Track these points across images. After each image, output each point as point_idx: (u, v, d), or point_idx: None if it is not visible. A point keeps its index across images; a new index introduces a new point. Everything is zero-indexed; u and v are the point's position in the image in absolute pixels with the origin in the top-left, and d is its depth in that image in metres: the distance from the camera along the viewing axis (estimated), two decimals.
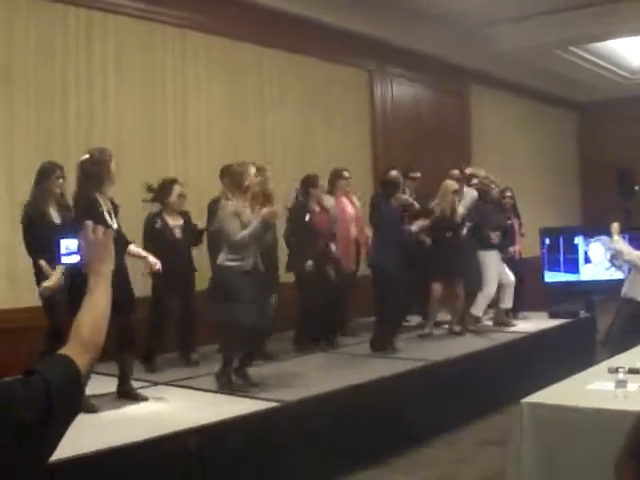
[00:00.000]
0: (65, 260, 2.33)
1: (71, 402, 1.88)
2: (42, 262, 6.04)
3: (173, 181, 7.38)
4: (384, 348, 7.92)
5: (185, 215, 7.54)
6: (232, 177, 6.47)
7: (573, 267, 11.17)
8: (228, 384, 6.21)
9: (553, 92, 16.37)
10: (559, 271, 11.26)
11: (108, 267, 2.19)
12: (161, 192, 7.30)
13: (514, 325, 9.50)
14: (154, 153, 8.61)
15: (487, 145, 14.09)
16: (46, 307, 6.08)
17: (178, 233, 7.35)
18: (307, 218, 8.10)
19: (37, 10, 7.65)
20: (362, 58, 11.57)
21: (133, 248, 6.08)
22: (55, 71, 7.78)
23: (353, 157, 10.58)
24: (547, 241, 11.26)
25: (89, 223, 2.23)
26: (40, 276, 6.03)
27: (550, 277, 11.22)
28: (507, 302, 9.55)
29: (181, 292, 7.35)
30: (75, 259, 2.30)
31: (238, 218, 6.18)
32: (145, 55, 8.62)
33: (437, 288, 9.00)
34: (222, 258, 6.28)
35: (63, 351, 1.98)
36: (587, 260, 11.22)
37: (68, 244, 2.32)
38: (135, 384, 6.29)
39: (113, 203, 5.96)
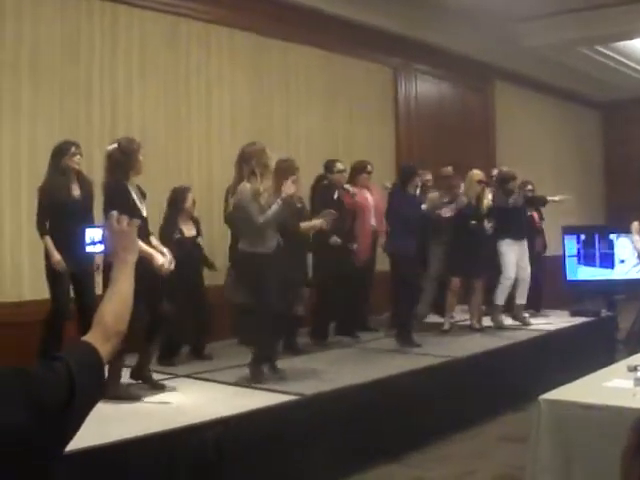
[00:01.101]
0: (90, 249, 2.36)
1: (92, 389, 1.90)
2: (47, 238, 6.14)
3: (186, 189, 7.39)
4: (410, 340, 7.95)
5: (196, 223, 7.55)
6: (258, 157, 6.27)
7: (609, 262, 11.10)
8: (260, 376, 6.22)
9: (578, 90, 16.29)
10: (594, 266, 11.18)
11: (132, 256, 2.23)
12: (175, 199, 7.35)
13: (530, 324, 9.46)
14: (178, 147, 8.64)
15: (511, 142, 14.05)
16: (51, 294, 6.23)
17: (190, 243, 7.30)
18: (335, 196, 8.10)
19: (63, 3, 7.71)
20: (387, 54, 11.57)
21: (153, 240, 6.06)
22: (80, 64, 7.84)
23: (377, 153, 10.57)
24: (582, 237, 11.20)
25: (114, 213, 2.27)
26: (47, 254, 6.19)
27: (584, 273, 11.13)
28: (521, 298, 9.49)
29: (191, 291, 7.24)
30: (99, 248, 2.33)
31: (257, 201, 6.14)
32: (169, 49, 8.66)
33: (455, 282, 9.01)
34: (244, 244, 6.26)
35: (86, 338, 2.01)
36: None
37: (93, 234, 2.36)
38: (155, 376, 6.35)
39: (141, 190, 5.99)
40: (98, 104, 7.96)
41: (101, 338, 2.00)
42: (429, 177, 9.87)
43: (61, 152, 6.30)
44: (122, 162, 5.76)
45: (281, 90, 9.96)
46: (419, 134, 11.96)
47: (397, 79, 11.90)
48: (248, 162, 6.22)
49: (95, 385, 1.93)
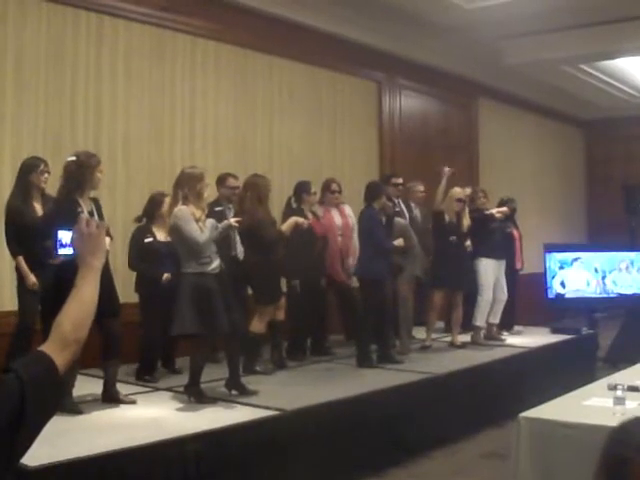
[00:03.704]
0: (61, 252, 2.33)
1: (46, 402, 1.83)
2: (20, 259, 6.12)
3: (163, 195, 7.26)
4: (370, 363, 7.82)
5: None
6: (192, 183, 6.15)
7: None
8: (200, 395, 6.12)
9: (561, 108, 16.40)
10: None
11: (99, 261, 2.16)
12: (151, 206, 7.28)
13: (503, 340, 9.48)
14: (162, 159, 8.63)
15: (493, 159, 14.12)
16: (20, 308, 6.19)
17: (164, 248, 7.16)
18: (305, 225, 7.97)
19: (48, 12, 7.69)
20: (371, 69, 11.61)
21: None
22: (65, 73, 7.83)
23: (360, 168, 10.62)
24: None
25: (83, 215, 2.22)
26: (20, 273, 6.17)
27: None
28: (494, 317, 9.49)
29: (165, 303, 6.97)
30: (68, 251, 2.29)
31: (194, 222, 6.05)
32: (155, 61, 8.66)
33: (438, 297, 8.96)
34: (188, 266, 6.10)
35: (43, 347, 1.92)
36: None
37: (63, 236, 2.31)
38: (136, 389, 6.32)
39: (96, 202, 5.95)
40: (82, 114, 7.94)
41: (59, 346, 1.91)
42: (421, 188, 9.87)
43: (29, 169, 6.25)
44: (77, 176, 5.69)
45: (265, 103, 9.96)
46: (402, 149, 12.00)
47: (381, 94, 11.93)
48: (182, 187, 6.14)
49: (50, 397, 1.85)
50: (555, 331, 10.17)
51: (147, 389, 6.64)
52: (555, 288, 10.95)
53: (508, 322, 9.97)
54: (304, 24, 10.08)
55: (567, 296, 11.01)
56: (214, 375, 6.65)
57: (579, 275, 10.97)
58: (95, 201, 5.96)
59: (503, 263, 9.41)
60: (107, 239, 6.03)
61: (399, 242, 8.13)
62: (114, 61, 8.26)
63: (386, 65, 11.77)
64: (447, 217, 8.83)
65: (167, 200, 7.14)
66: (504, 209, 9.51)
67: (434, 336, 9.30)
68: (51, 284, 5.55)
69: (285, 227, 7.50)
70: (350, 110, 11.23)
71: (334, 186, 8.67)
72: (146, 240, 7.19)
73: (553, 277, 10.91)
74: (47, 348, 1.91)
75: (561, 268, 10.97)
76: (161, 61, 8.73)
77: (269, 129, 9.99)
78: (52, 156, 7.11)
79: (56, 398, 1.92)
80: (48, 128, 7.63)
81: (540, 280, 11.19)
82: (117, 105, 8.29)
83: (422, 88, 12.72)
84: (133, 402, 6.00)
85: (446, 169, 9.19)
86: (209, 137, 9.20)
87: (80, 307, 2.04)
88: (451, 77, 12.88)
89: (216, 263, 6.16)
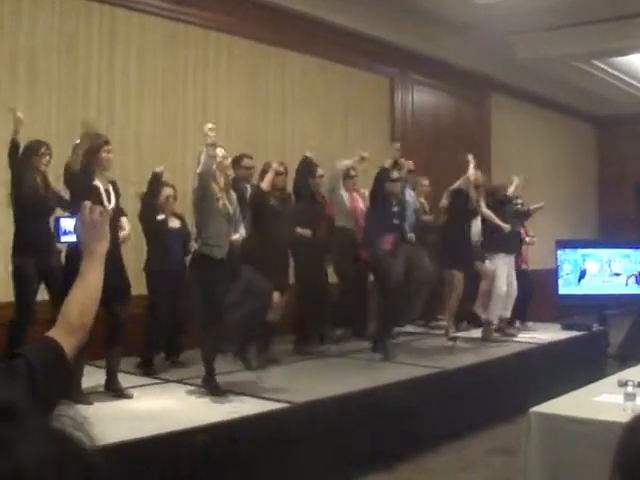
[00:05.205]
0: (64, 239, 2.32)
1: (55, 387, 1.80)
2: None
3: (162, 184, 7.29)
4: (386, 347, 7.85)
5: (180, 218, 7.52)
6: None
7: None
8: (217, 389, 6.11)
9: (573, 104, 16.33)
10: None
11: (103, 247, 2.14)
12: (150, 192, 7.28)
13: (515, 335, 9.50)
14: (174, 151, 8.64)
15: (505, 155, 14.06)
16: (15, 296, 6.08)
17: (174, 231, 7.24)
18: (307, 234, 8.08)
19: (61, 5, 7.71)
20: (384, 64, 11.60)
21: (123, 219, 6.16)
22: (78, 66, 7.84)
23: (372, 162, 10.58)
24: None
25: (87, 203, 2.20)
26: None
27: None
28: (506, 311, 9.47)
29: (173, 290, 7.06)
30: (72, 238, 2.28)
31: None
32: (167, 54, 8.66)
33: (459, 278, 8.71)
34: (200, 244, 6.16)
35: (50, 333, 1.91)
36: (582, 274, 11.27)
37: (66, 224, 2.31)
38: (145, 381, 6.34)
39: (114, 184, 5.98)
40: (95, 107, 7.95)
41: (65, 332, 1.91)
42: (426, 182, 9.89)
43: (28, 152, 6.21)
44: (85, 156, 5.74)
45: (278, 97, 9.96)
46: (414, 144, 11.95)
47: (394, 89, 11.92)
48: None
49: (58, 383, 1.83)
50: (566, 327, 10.16)
51: (157, 381, 6.65)
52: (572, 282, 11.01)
53: (521, 317, 9.99)
54: (317, 18, 10.07)
55: (583, 291, 11.05)
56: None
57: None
58: (113, 183, 5.99)
59: (513, 258, 9.41)
60: (124, 219, 6.17)
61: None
62: (127, 54, 8.27)
63: (399, 60, 11.75)
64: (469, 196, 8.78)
65: (166, 190, 7.19)
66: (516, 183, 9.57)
67: (439, 332, 9.30)
68: (60, 270, 5.61)
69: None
70: (362, 105, 11.21)
71: (352, 172, 8.91)
72: (158, 217, 7.20)
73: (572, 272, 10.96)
74: (54, 334, 1.91)
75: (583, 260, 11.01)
76: (174, 54, 8.73)
77: (282, 122, 9.99)
78: (66, 149, 7.13)
79: (65, 383, 1.97)
80: (61, 122, 7.63)
81: (551, 276, 11.17)
82: (130, 98, 8.30)
83: (434, 83, 12.70)
84: (130, 397, 5.94)
85: (470, 156, 9.08)
86: (221, 130, 9.12)
87: (86, 293, 2.04)
88: (463, 72, 12.83)
89: (225, 249, 6.14)
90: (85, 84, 7.90)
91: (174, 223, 7.33)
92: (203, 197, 6.14)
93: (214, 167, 6.13)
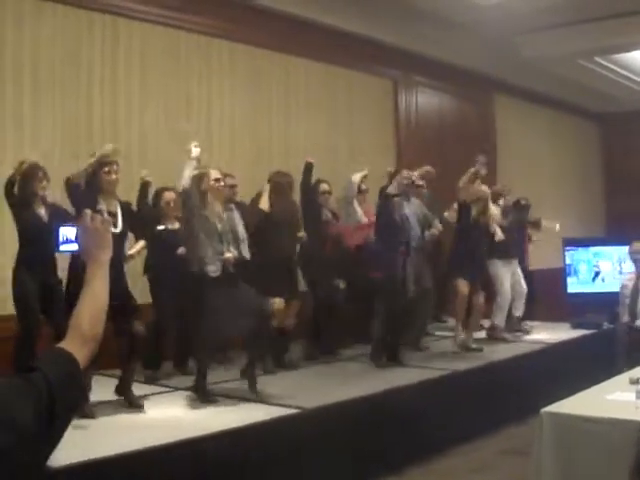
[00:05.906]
0: (63, 248, 2.30)
1: (72, 400, 1.82)
2: None
3: (163, 189, 7.30)
4: (381, 359, 7.74)
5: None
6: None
7: None
8: (206, 395, 6.11)
9: (577, 102, 16.29)
10: None
11: (106, 255, 2.14)
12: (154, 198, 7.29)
13: (528, 332, 9.49)
14: (178, 161, 8.61)
15: (511, 155, 14.04)
16: (18, 312, 6.01)
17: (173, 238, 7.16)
18: (323, 217, 8.13)
19: (63, 15, 7.73)
20: (387, 67, 11.59)
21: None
22: (81, 75, 7.86)
23: (376, 165, 10.57)
24: None
25: (87, 211, 2.19)
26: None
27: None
28: (517, 310, 9.51)
29: (178, 298, 7.04)
30: (72, 247, 2.26)
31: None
32: (170, 62, 8.67)
33: (463, 286, 8.44)
34: (192, 265, 6.18)
35: (63, 345, 1.91)
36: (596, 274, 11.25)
37: (66, 232, 2.29)
38: (154, 389, 6.32)
39: (123, 204, 5.99)
40: (98, 115, 7.96)
41: (78, 343, 1.91)
42: (421, 182, 9.83)
43: (27, 177, 6.10)
44: (89, 177, 5.81)
45: (281, 102, 9.96)
46: (419, 145, 11.94)
47: (397, 91, 11.90)
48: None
49: (74, 395, 1.84)
50: (576, 326, 10.13)
51: (166, 389, 6.64)
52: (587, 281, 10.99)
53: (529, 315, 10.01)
54: (319, 22, 10.06)
55: (593, 289, 11.02)
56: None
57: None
58: (122, 204, 5.99)
59: (515, 261, 9.42)
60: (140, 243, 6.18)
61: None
62: (129, 62, 8.28)
63: (402, 62, 11.73)
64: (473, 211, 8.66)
65: (166, 194, 7.20)
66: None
67: (446, 333, 9.26)
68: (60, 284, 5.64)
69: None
70: (366, 108, 11.20)
71: (362, 186, 8.95)
72: (159, 227, 7.19)
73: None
74: (67, 346, 1.90)
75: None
76: (176, 61, 8.74)
77: (285, 128, 9.98)
78: (69, 157, 7.15)
79: (80, 396, 1.92)
80: (65, 130, 7.66)
81: (559, 275, 11.14)
82: (133, 106, 8.30)
83: (438, 85, 12.68)
84: (141, 406, 5.87)
85: (481, 157, 8.98)
86: (225, 137, 9.19)
87: (94, 303, 2.03)
88: (467, 73, 12.81)
89: (218, 265, 6.14)
90: (88, 93, 7.90)
91: (174, 226, 7.31)
92: (187, 210, 6.21)
93: (203, 187, 6.21)
